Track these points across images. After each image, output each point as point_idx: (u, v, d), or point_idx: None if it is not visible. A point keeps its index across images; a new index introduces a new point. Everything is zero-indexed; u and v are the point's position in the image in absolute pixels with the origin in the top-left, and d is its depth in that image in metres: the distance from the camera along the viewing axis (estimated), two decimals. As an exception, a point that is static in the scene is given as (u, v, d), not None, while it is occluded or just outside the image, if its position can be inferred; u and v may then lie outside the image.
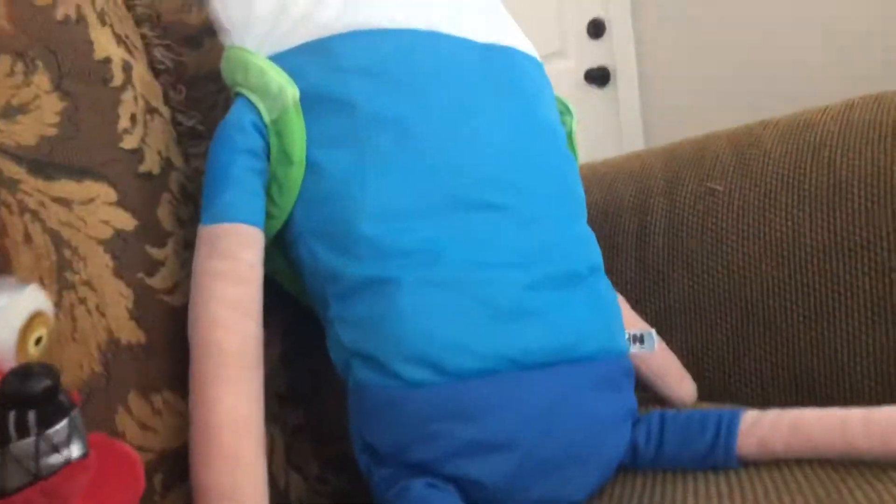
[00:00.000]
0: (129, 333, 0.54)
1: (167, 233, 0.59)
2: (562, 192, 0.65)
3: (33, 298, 0.39)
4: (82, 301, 0.51)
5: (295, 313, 0.67)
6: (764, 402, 0.83)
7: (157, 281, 0.57)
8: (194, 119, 0.68)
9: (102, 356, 0.51)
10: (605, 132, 2.39)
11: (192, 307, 0.55)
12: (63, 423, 0.35)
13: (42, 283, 0.50)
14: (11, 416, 0.33)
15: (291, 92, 0.59)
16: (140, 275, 0.56)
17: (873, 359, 0.76)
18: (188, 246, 0.61)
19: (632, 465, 0.62)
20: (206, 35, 0.74)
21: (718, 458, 0.59)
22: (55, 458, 0.34)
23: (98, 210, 0.54)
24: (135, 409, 0.52)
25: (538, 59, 0.74)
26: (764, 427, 0.59)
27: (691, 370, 0.86)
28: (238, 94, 0.62)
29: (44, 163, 0.53)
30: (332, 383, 0.76)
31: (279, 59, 0.62)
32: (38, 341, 0.39)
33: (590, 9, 2.42)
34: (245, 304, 0.55)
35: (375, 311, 0.55)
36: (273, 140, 0.60)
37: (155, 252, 0.57)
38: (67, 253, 0.51)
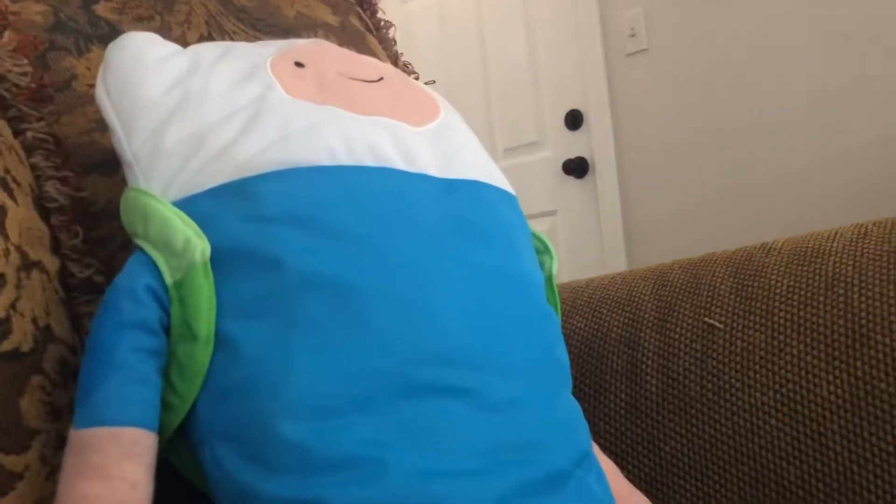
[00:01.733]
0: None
1: (32, 432, 0.46)
2: (542, 361, 0.53)
3: None
4: None
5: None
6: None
7: (13, 500, 0.44)
8: (91, 268, 0.55)
9: None
10: (584, 222, 2.33)
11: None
12: None
13: None
14: None
15: (201, 247, 0.47)
16: (-13, 496, 0.43)
17: (916, 540, 0.64)
18: (62, 446, 0.47)
19: None
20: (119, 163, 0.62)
21: None
22: None
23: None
24: None
25: (510, 191, 0.63)
26: None
27: (692, 539, 0.74)
28: (138, 248, 0.50)
29: None
30: None
31: (188, 203, 0.50)
32: None
33: (568, 100, 2.38)
34: (123, 541, 0.42)
35: (297, 547, 0.42)
36: (175, 308, 0.47)
37: (11, 462, 0.44)
38: None
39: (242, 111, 0.53)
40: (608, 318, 0.90)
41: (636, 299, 0.89)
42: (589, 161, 2.40)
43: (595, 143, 2.37)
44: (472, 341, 0.50)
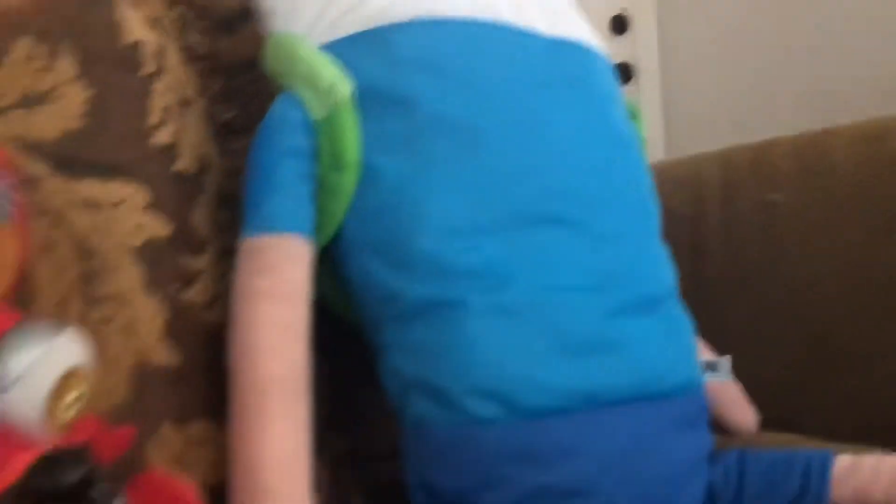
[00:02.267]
0: (162, 355, 0.48)
1: (204, 240, 0.53)
2: (638, 205, 0.59)
3: (68, 350, 0.34)
4: (110, 319, 0.45)
5: (336, 333, 0.61)
6: (828, 437, 0.77)
7: (194, 294, 0.51)
8: (232, 112, 0.61)
9: (132, 382, 0.45)
10: (628, 132, 2.32)
11: (233, 329, 0.49)
12: None
13: (64, 299, 0.44)
14: None
15: (344, 88, 0.53)
16: (175, 287, 0.49)
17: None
18: (227, 254, 0.54)
19: (709, 508, 0.56)
20: (240, 20, 0.67)
21: (809, 504, 0.53)
22: None
23: (129, 214, 0.48)
24: (168, 441, 0.47)
25: (603, 53, 0.67)
26: (862, 475, 0.53)
27: (748, 394, 0.80)
28: (283, 88, 0.55)
29: (68, 159, 0.47)
30: (376, 410, 0.70)
31: (329, 49, 0.55)
32: (75, 402, 0.34)
33: (613, 4, 2.36)
34: (292, 326, 0.49)
35: (439, 338, 0.49)
36: (323, 141, 0.53)
37: (191, 262, 0.51)
38: (95, 263, 0.45)
39: None
40: (673, 196, 0.94)
41: (701, 179, 0.94)
42: (633, 67, 2.39)
43: (639, 48, 2.35)
44: (581, 180, 0.55)
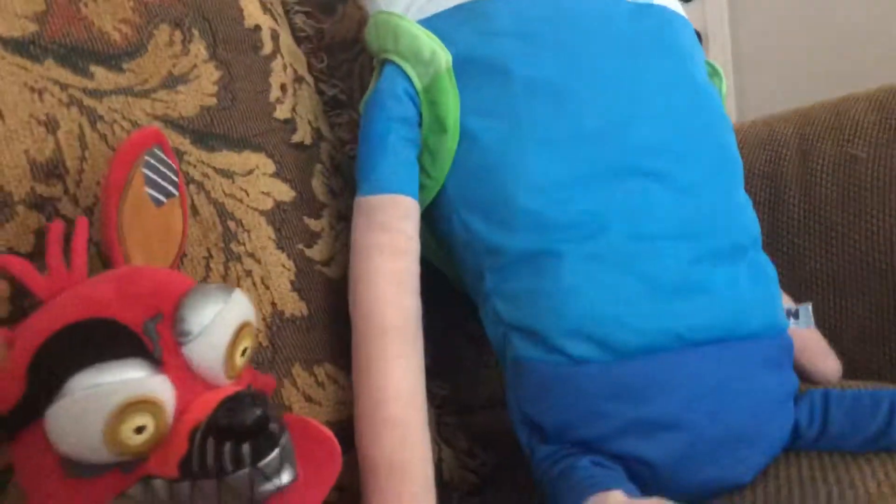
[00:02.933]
0: (292, 306, 0.53)
1: (322, 204, 0.59)
2: (722, 157, 0.62)
3: (241, 306, 0.38)
4: (248, 273, 0.51)
5: (435, 285, 0.66)
6: (909, 381, 0.79)
7: (316, 253, 0.56)
8: (336, 88, 0.67)
9: (268, 329, 0.51)
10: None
11: (353, 281, 0.54)
12: (275, 453, 0.34)
13: (209, 255, 0.50)
14: (227, 449, 0.33)
15: (445, 57, 0.57)
16: (300, 246, 0.55)
17: None
18: (341, 218, 0.60)
19: (792, 446, 0.59)
20: (339, 2, 0.72)
21: (893, 441, 0.56)
22: (267, 487, 0.34)
23: (258, 181, 0.54)
24: (300, 381, 0.52)
25: (685, 17, 0.70)
26: (948, 410, 0.55)
27: (830, 345, 0.82)
28: (386, 62, 0.60)
29: (205, 133, 0.52)
30: (469, 357, 0.75)
31: (427, 23, 0.60)
32: (243, 352, 0.39)
33: (683, -31, 2.33)
34: (405, 278, 0.54)
35: (537, 286, 0.54)
36: (425, 108, 0.58)
37: (312, 223, 0.57)
38: (232, 225, 0.51)
39: None
40: (750, 157, 0.96)
41: (778, 137, 0.95)
42: (702, 33, 2.36)
43: (709, 14, 2.32)
44: (667, 134, 0.59)
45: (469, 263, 0.58)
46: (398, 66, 0.59)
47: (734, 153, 0.64)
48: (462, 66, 0.58)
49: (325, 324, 0.55)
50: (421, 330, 0.55)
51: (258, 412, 0.33)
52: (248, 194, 0.53)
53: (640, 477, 0.52)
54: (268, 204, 0.54)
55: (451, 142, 0.57)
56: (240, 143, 0.54)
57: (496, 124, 0.57)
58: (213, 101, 0.53)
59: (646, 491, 0.50)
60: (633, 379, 0.52)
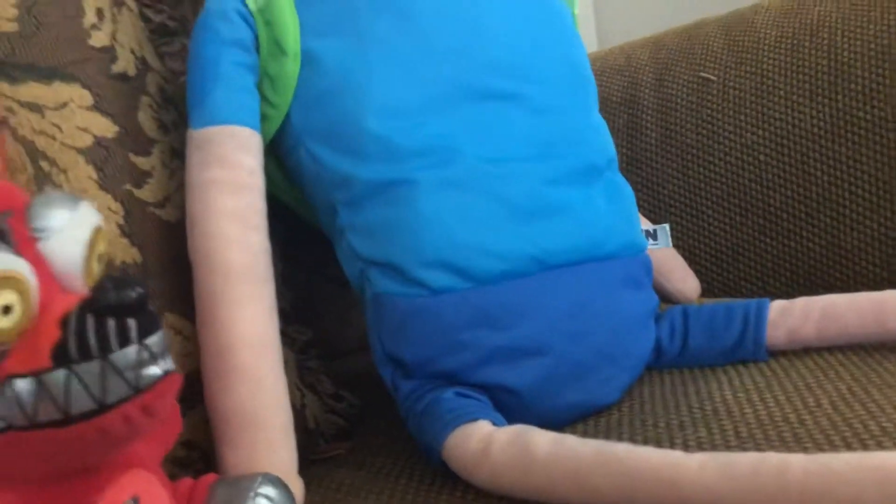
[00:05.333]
0: (123, 253, 0.48)
1: (151, 140, 0.53)
2: (575, 78, 0.61)
3: (92, 211, 0.36)
4: (67, 218, 0.45)
5: (289, 227, 0.62)
6: (764, 293, 0.82)
7: (146, 193, 0.51)
8: (163, 14, 0.61)
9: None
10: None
11: (191, 223, 0.50)
12: (160, 333, 0.31)
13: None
14: (111, 324, 0.30)
15: (279, -27, 0.53)
16: (127, 187, 0.50)
17: (879, 244, 0.75)
18: (175, 155, 0.55)
19: (656, 364, 0.60)
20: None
21: (747, 350, 0.57)
22: (153, 370, 0.31)
23: (74, 115, 0.48)
24: (138, 334, 0.47)
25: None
26: (794, 315, 0.57)
27: (689, 266, 0.85)
28: (216, -17, 0.55)
29: (6, 63, 0.46)
30: (335, 299, 0.72)
31: (260, -63, 0.55)
32: (99, 258, 0.36)
33: None
34: (248, 214, 0.50)
35: (392, 216, 0.51)
36: (261, 30, 0.53)
37: (140, 161, 0.52)
38: (45, 165, 0.45)
39: None
40: (608, 84, 0.97)
41: (634, 64, 0.96)
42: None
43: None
44: (518, 55, 0.57)
45: (320, 198, 0.55)
46: (231, -15, 0.54)
47: (587, 74, 0.63)
48: (298, -16, 0.54)
49: (163, 271, 0.50)
50: (270, 269, 0.51)
51: (140, 289, 0.31)
52: (61, 130, 0.47)
53: (506, 405, 0.51)
54: (86, 140, 0.48)
55: (292, 65, 0.53)
56: (49, 74, 0.48)
57: (339, 44, 0.53)
58: (14, 26, 0.47)
59: (512, 418, 0.49)
60: (492, 306, 0.50)
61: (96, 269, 0.35)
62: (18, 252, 0.32)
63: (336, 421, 0.58)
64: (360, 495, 0.50)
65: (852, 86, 0.77)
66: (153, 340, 0.30)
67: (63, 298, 0.32)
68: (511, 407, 0.51)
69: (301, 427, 0.50)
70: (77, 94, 0.49)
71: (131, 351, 0.30)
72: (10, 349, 0.31)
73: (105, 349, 0.30)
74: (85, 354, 0.30)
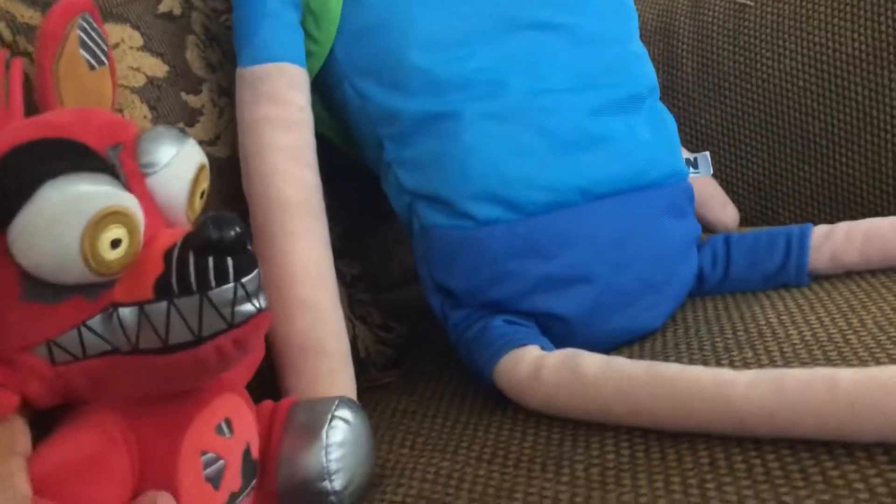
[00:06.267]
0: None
1: (200, 79, 0.54)
2: (617, 7, 0.60)
3: (196, 149, 0.37)
4: (127, 157, 0.47)
5: (335, 164, 0.63)
6: (804, 218, 0.82)
7: (199, 131, 0.52)
8: (203, -47, 0.61)
9: (156, 215, 0.47)
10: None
11: (245, 160, 0.51)
12: (255, 272, 0.33)
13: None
14: (210, 262, 0.31)
15: (320, -90, 0.53)
16: (180, 125, 0.51)
17: (922, 166, 0.74)
18: (223, 93, 0.55)
19: (699, 290, 0.61)
20: None
21: (790, 275, 0.58)
22: (248, 308, 0.32)
23: (126, 56, 0.49)
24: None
25: None
26: (836, 239, 0.57)
27: (728, 195, 0.85)
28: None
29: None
30: (381, 235, 0.73)
31: None
32: (202, 195, 0.38)
33: None
34: (301, 151, 0.51)
35: (438, 149, 0.52)
36: (304, -33, 0.54)
37: (192, 100, 0.52)
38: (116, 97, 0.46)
39: None
40: (643, 12, 0.95)
41: (669, -8, 0.94)
42: None
43: None
44: (559, -14, 0.56)
45: (366, 133, 0.56)
46: (270, -77, 0.54)
47: (629, 3, 0.62)
48: (338, -77, 0.53)
49: (217, 208, 0.52)
50: (323, 204, 0.52)
51: (239, 228, 0.32)
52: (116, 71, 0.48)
53: (554, 331, 0.52)
54: (139, 80, 0.49)
55: (334, 2, 0.53)
56: (101, 15, 0.48)
57: (381, -22, 0.53)
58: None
59: (560, 344, 0.50)
60: (539, 236, 0.51)
61: (199, 204, 0.37)
62: (128, 187, 0.33)
63: (385, 350, 0.60)
64: (416, 419, 0.52)
65: (893, 9, 0.75)
66: (249, 279, 0.32)
67: (168, 232, 0.34)
68: (558, 333, 0.52)
69: (354, 356, 0.52)
70: (128, 35, 0.50)
71: (228, 289, 0.32)
72: (118, 279, 0.32)
73: (204, 286, 0.31)
74: (185, 289, 0.31)
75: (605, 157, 0.54)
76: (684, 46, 0.90)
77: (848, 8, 0.78)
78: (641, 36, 0.95)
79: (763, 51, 0.84)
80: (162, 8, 0.53)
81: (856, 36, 0.77)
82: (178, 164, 0.36)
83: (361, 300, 0.60)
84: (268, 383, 0.47)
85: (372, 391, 0.57)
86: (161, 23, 0.53)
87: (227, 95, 0.55)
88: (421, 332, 0.64)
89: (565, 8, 0.56)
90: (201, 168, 0.37)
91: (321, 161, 0.54)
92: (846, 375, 0.37)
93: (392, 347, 0.60)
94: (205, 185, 0.38)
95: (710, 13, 0.89)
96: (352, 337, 0.56)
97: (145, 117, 0.49)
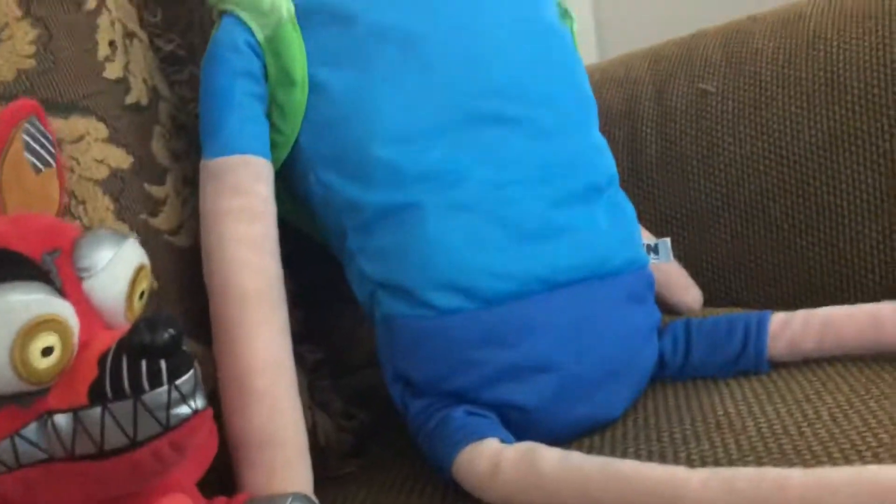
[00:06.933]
0: (141, 280, 0.50)
1: (164, 169, 0.55)
2: (576, 98, 0.62)
3: (136, 250, 0.38)
4: (87, 248, 0.47)
5: (299, 248, 0.64)
6: (766, 307, 0.83)
7: (161, 221, 0.53)
8: (173, 42, 0.62)
9: (115, 306, 0.47)
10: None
11: (207, 250, 0.51)
12: (190, 374, 0.33)
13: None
14: (144, 365, 0.32)
15: (286, 5, 0.54)
16: (143, 216, 0.52)
17: (878, 252, 0.76)
18: (187, 182, 0.56)
19: (660, 376, 0.62)
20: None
21: (749, 361, 0.58)
22: (183, 410, 0.32)
23: (91, 148, 0.50)
24: (155, 360, 0.49)
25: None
26: (794, 327, 0.58)
27: (691, 277, 0.86)
28: (224, 13, 0.57)
29: (26, 99, 0.47)
30: (345, 317, 0.73)
31: (268, -29, 0.56)
32: (141, 295, 0.38)
33: None
34: (263, 241, 0.52)
35: (400, 240, 0.53)
36: (270, 60, 0.55)
37: (155, 190, 0.53)
38: (64, 197, 0.47)
39: None
40: (608, 96, 0.98)
41: (633, 76, 0.97)
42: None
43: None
44: (520, 78, 0.58)
45: (330, 222, 0.56)
46: (237, 17, 0.55)
47: (588, 94, 0.64)
48: (306, 15, 0.55)
49: (177, 297, 0.52)
50: (284, 294, 0.53)
51: (173, 330, 0.32)
52: (79, 163, 0.48)
53: (515, 422, 0.52)
54: (103, 172, 0.50)
55: (300, 94, 0.54)
56: (67, 108, 0.49)
57: (345, 73, 0.55)
58: (32, 63, 0.49)
59: (521, 434, 0.50)
60: (500, 325, 0.52)
61: (138, 306, 0.37)
62: (63, 292, 0.34)
63: (347, 439, 0.59)
64: (375, 512, 0.51)
65: (848, 97, 0.78)
66: (184, 380, 0.32)
67: (105, 335, 0.34)
68: (519, 424, 0.52)
69: (313, 445, 0.51)
70: (93, 127, 0.50)
71: (162, 392, 0.32)
72: (53, 385, 0.32)
73: (137, 390, 0.31)
74: (119, 394, 0.31)
75: (566, 247, 0.55)
76: (648, 130, 0.93)
77: (804, 97, 0.81)
78: (607, 118, 0.98)
79: (725, 136, 0.86)
80: (129, 99, 0.54)
81: (812, 124, 0.80)
82: (115, 266, 0.36)
83: (323, 386, 0.60)
84: (225, 479, 0.47)
85: (331, 482, 0.56)
86: (128, 114, 0.54)
87: (191, 184, 0.56)
88: (384, 417, 0.64)
89: (525, 101, 0.58)
90: (140, 269, 0.37)
91: (285, 244, 0.55)
92: (796, 476, 0.37)
93: (353, 434, 0.60)
94: (144, 285, 0.38)
95: (674, 97, 0.91)
96: (311, 426, 0.55)
97: (107, 209, 0.49)
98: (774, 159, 0.82)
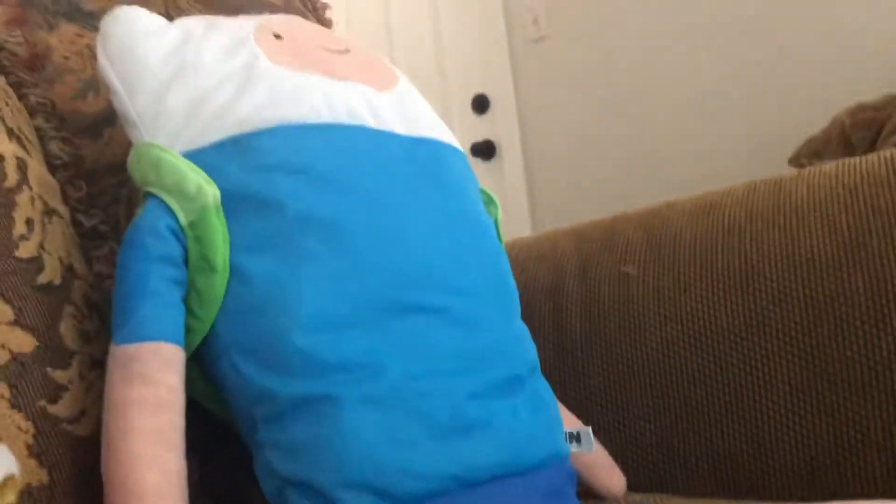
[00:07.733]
0: (30, 475, 0.46)
1: (71, 352, 0.53)
2: (498, 288, 0.63)
3: (6, 460, 0.37)
4: (-26, 441, 0.44)
5: (210, 433, 0.61)
6: (691, 489, 0.82)
7: (61, 409, 0.50)
8: (96, 218, 0.61)
9: (-1, 505, 0.44)
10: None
11: (107, 441, 0.48)
12: None
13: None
14: None
15: (212, 192, 0.55)
16: (41, 403, 0.49)
17: (799, 439, 0.76)
18: (94, 366, 0.54)
19: (581, 572, 0.59)
20: (104, 124, 0.68)
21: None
22: None
23: (-9, 333, 0.47)
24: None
25: (460, 149, 0.72)
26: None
27: (615, 459, 0.85)
28: (149, 195, 0.57)
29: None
30: (258, 499, 0.70)
31: (194, 156, 0.57)
32: None
33: (474, 84, 2.47)
34: (167, 434, 0.49)
35: (313, 435, 0.51)
36: (191, 245, 0.54)
37: (58, 375, 0.51)
38: (-45, 386, 0.44)
39: (234, 77, 0.60)
40: (534, 271, 1.00)
41: (559, 253, 1.00)
42: (495, 144, 2.49)
43: (500, 126, 2.46)
44: (442, 268, 0.59)
45: (241, 411, 0.54)
46: (161, 200, 0.55)
47: (510, 283, 0.65)
48: (232, 202, 0.55)
49: (72, 492, 0.49)
50: (185, 491, 0.50)
51: None
52: (-24, 349, 0.46)
53: None
54: (3, 358, 0.48)
55: (219, 281, 0.54)
56: (-30, 290, 0.47)
57: (268, 260, 0.54)
58: (-62, 243, 0.47)
59: None
60: (414, 528, 0.50)
61: None
62: None
63: None
64: None
65: (762, 288, 0.81)
66: None
67: None
68: None
69: None
70: (-2, 310, 0.49)
71: None
72: None
73: None
74: None
75: (483, 443, 0.54)
76: (573, 307, 0.94)
77: (721, 282, 0.83)
78: (534, 293, 0.99)
79: (647, 318, 0.88)
80: (42, 279, 0.53)
81: (729, 312, 0.82)
82: None
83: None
84: None
85: None
86: (38, 294, 0.52)
87: (99, 367, 0.54)
88: None
89: (448, 290, 0.58)
90: (7, 480, 0.35)
91: (196, 426, 0.53)
92: None
93: None
94: (11, 496, 0.35)
95: (597, 277, 0.93)
96: None
97: (2, 396, 0.47)
98: (694, 343, 0.84)
